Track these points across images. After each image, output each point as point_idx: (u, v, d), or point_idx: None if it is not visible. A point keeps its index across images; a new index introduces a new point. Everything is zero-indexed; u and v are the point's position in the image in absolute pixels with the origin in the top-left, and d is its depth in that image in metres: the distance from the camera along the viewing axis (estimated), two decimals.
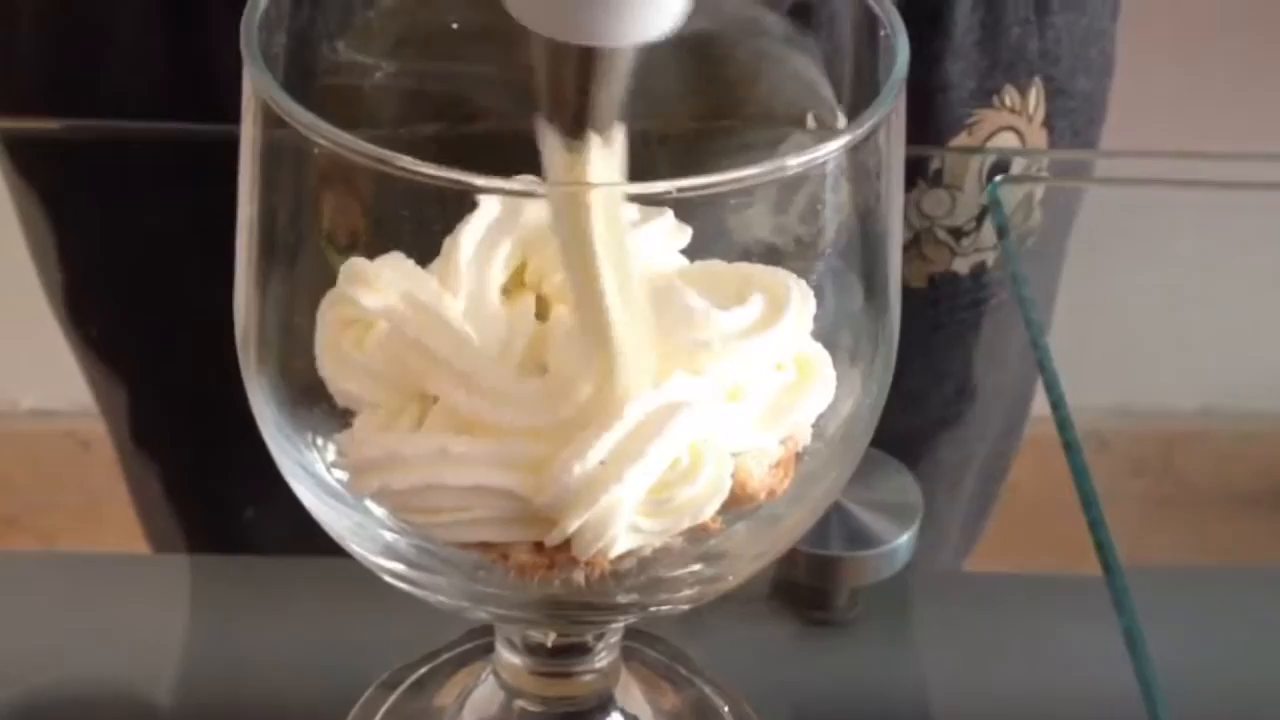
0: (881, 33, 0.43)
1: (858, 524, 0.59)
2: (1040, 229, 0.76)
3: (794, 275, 0.43)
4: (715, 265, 0.44)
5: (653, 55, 0.44)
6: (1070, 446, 0.61)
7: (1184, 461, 1.22)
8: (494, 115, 0.46)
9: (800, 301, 0.43)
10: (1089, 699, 0.59)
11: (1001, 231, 0.72)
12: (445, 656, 0.55)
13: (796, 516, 0.45)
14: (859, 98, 0.43)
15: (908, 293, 0.74)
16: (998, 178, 0.72)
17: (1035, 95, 0.72)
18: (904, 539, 0.59)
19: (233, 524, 0.77)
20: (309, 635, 0.59)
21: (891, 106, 0.41)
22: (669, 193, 0.38)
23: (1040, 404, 0.71)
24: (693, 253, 0.43)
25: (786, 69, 0.47)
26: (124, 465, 0.87)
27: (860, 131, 0.40)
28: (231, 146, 0.42)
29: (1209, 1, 1.48)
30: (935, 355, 0.78)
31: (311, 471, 0.44)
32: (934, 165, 0.72)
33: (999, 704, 0.59)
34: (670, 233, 0.43)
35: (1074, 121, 0.75)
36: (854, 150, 0.40)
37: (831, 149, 0.40)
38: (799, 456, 0.44)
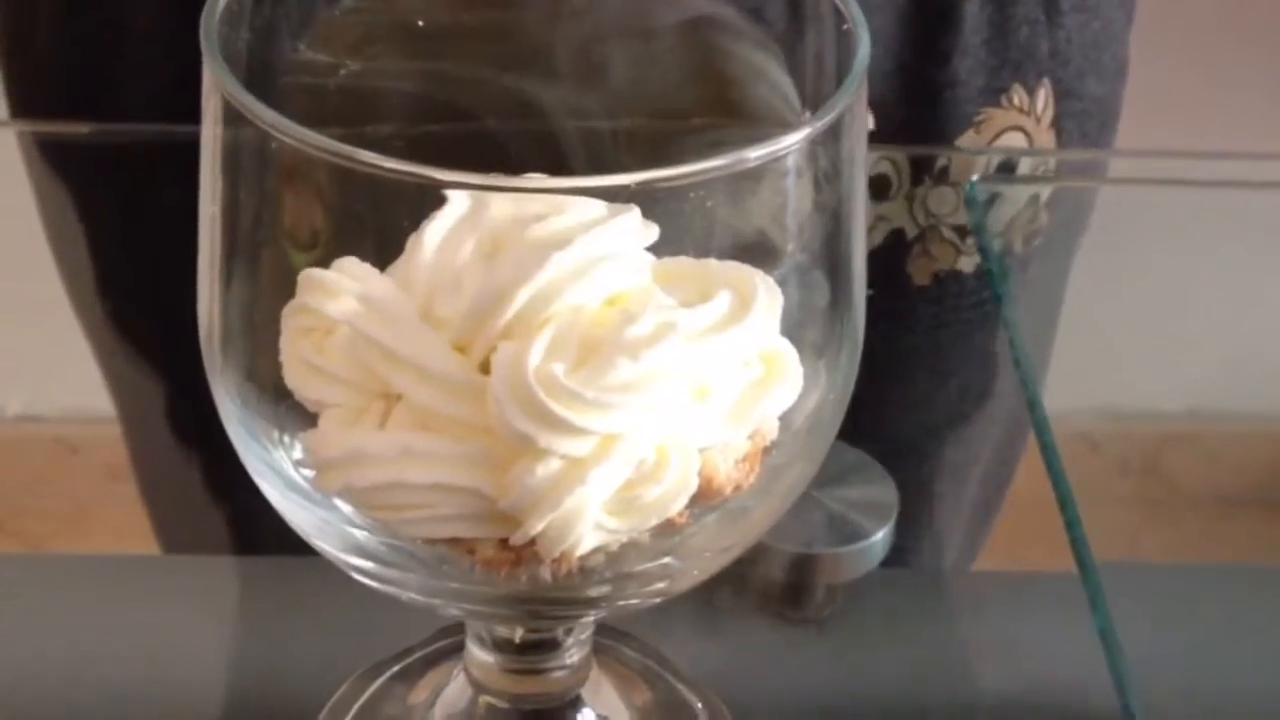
0: (844, 27, 0.43)
1: (833, 521, 0.60)
2: (1046, 231, 0.76)
3: (760, 271, 0.43)
4: (682, 262, 0.44)
5: (621, 55, 0.44)
6: (1047, 447, 0.62)
7: (1171, 463, 1.22)
8: (458, 113, 0.46)
9: (767, 297, 0.43)
10: (1065, 696, 0.59)
11: (978, 230, 0.72)
12: (418, 654, 0.55)
13: (764, 509, 0.45)
14: (825, 94, 0.43)
15: (912, 291, 0.74)
16: (974, 177, 0.72)
17: (1044, 96, 0.72)
18: (879, 535, 0.59)
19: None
20: (283, 633, 0.59)
21: (853, 98, 0.41)
22: (630, 186, 0.38)
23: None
24: (659, 249, 0.44)
25: (752, 68, 0.47)
26: (139, 467, 0.86)
27: (821, 124, 0.40)
28: None
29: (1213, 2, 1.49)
30: (939, 354, 0.78)
31: (277, 469, 0.44)
32: (940, 163, 0.72)
33: (974, 700, 0.59)
34: (637, 229, 0.43)
35: (1083, 124, 0.75)
36: (815, 143, 0.40)
37: (792, 141, 0.40)
38: (766, 450, 0.44)
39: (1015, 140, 0.73)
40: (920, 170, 0.72)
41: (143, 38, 0.68)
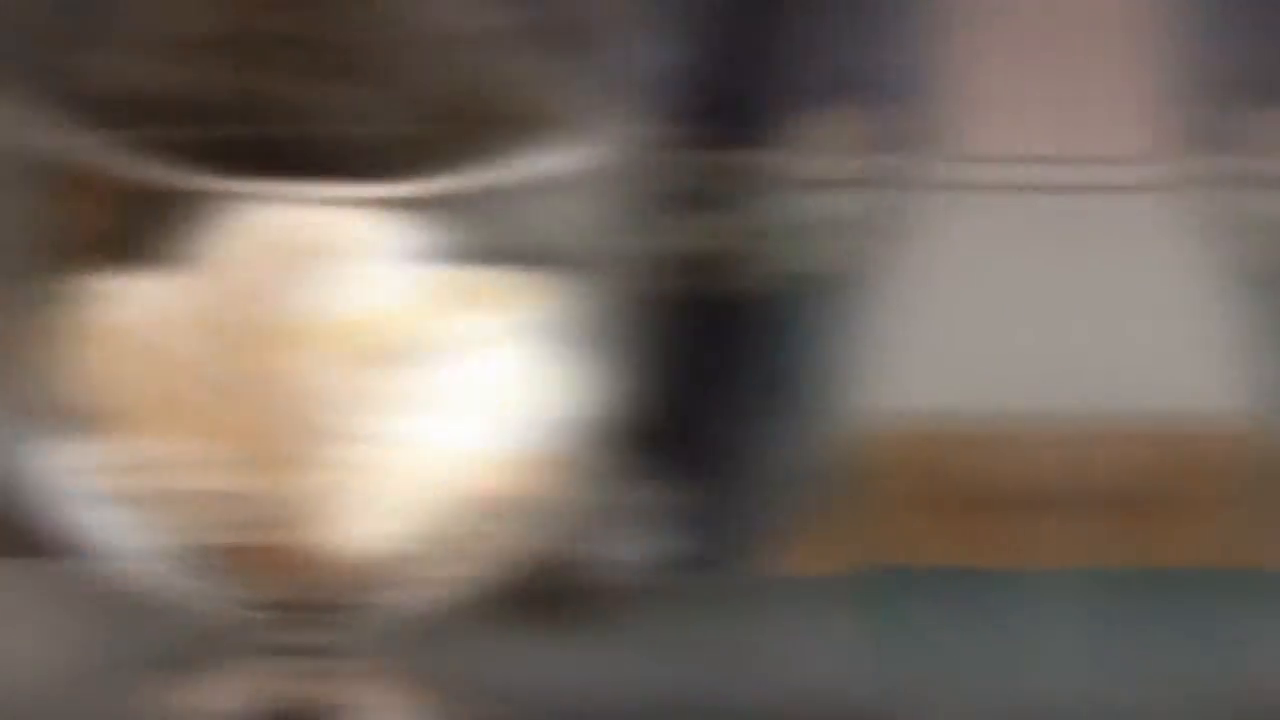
0: (636, 39, 0.44)
1: (611, 525, 0.60)
2: (872, 249, 0.77)
3: (544, 280, 0.43)
4: (465, 271, 0.44)
5: (414, 62, 0.44)
6: (843, 449, 0.62)
7: (967, 464, 1.25)
8: (247, 119, 0.46)
9: (550, 307, 0.43)
10: (839, 704, 0.60)
11: (773, 235, 0.73)
12: (195, 659, 0.54)
13: (538, 518, 0.46)
14: (620, 103, 0.44)
15: (737, 302, 0.74)
16: (772, 188, 0.72)
17: (862, 117, 0.73)
18: (657, 539, 0.60)
19: None
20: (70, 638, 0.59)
21: (642, 107, 0.42)
22: (417, 194, 0.39)
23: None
24: (444, 258, 0.44)
25: (545, 78, 0.48)
26: None
27: (611, 133, 0.41)
28: None
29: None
30: (764, 365, 0.78)
31: (57, 479, 0.44)
32: (763, 174, 0.72)
33: (747, 706, 0.60)
34: (421, 238, 0.43)
35: (901, 145, 0.76)
36: (606, 151, 0.41)
37: (585, 151, 0.40)
38: (546, 459, 0.45)
39: (834, 161, 0.74)
40: (739, 182, 0.72)
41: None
